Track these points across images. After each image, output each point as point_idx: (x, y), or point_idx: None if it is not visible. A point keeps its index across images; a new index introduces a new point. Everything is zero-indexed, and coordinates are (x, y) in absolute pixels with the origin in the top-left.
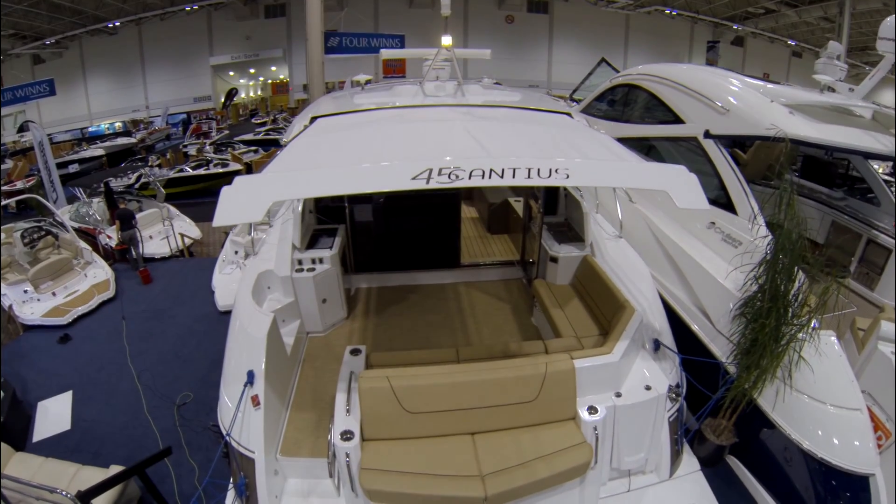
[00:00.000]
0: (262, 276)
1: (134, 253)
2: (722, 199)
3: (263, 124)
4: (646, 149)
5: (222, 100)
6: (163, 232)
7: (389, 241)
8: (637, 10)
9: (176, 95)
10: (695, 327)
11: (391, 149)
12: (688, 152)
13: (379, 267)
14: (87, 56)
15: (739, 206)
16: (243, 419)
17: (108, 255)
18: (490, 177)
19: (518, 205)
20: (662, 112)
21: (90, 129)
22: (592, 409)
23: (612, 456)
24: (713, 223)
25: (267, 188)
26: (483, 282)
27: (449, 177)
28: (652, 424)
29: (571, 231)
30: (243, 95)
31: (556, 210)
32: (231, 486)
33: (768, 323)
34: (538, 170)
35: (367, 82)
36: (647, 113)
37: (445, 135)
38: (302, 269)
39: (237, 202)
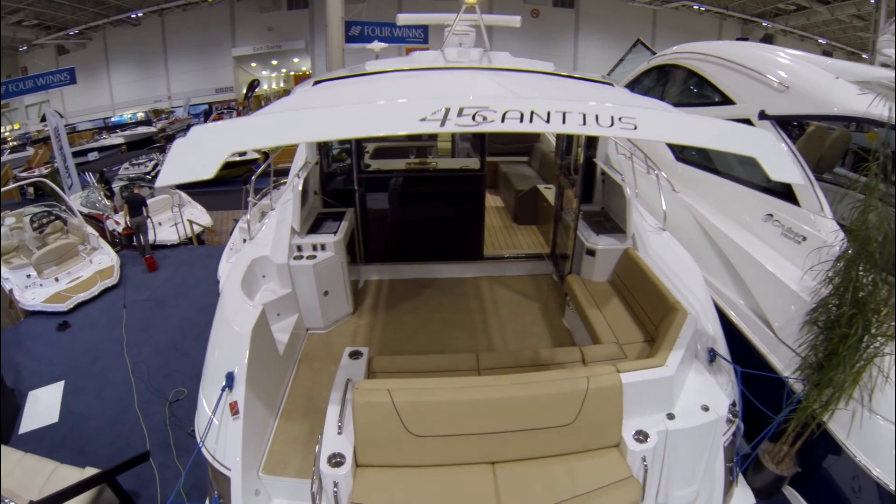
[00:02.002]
0: (255, 263)
1: (142, 239)
2: (780, 189)
3: None
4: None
5: (244, 91)
6: (172, 219)
7: (404, 228)
8: (664, 5)
9: (198, 86)
10: (751, 335)
11: (399, 94)
12: None
13: (392, 257)
14: (110, 47)
15: (803, 197)
16: (220, 429)
17: (115, 241)
18: (531, 120)
19: (549, 192)
20: (708, 93)
21: (112, 119)
22: (641, 435)
23: (658, 490)
24: (770, 215)
25: (226, 135)
26: (508, 277)
27: (474, 118)
28: (708, 452)
29: (609, 222)
30: (265, 87)
31: (591, 197)
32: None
33: (852, 333)
34: (596, 116)
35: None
36: (690, 95)
37: (470, 84)
38: (301, 257)
39: (189, 155)
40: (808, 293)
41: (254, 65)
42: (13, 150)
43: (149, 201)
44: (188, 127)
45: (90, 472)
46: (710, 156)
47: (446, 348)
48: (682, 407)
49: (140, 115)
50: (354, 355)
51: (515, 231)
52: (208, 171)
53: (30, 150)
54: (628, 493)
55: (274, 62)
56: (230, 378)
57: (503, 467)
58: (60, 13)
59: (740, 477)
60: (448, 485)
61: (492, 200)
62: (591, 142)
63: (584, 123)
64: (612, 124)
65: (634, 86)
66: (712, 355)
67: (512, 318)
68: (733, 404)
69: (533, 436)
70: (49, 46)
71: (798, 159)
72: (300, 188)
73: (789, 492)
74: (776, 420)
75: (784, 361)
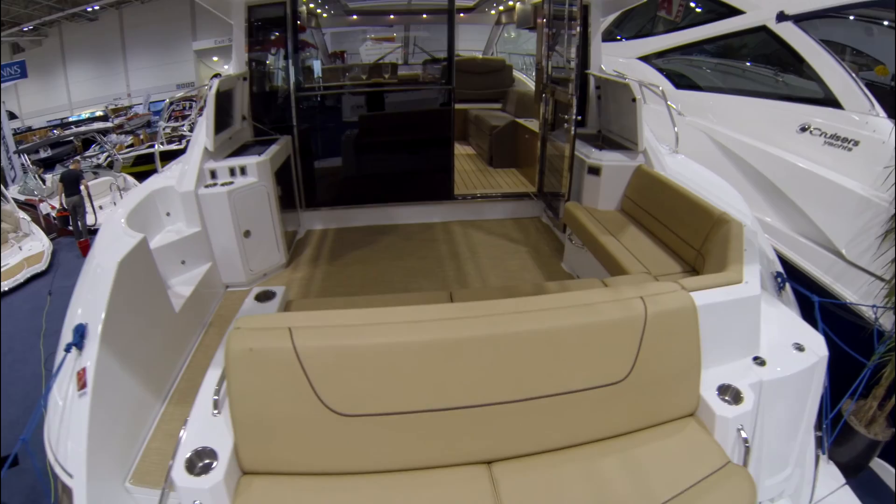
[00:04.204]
0: (157, 196)
1: (79, 222)
2: (816, 94)
3: None
4: (675, 76)
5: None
6: (113, 201)
7: (356, 162)
8: None
9: (158, 82)
10: (805, 264)
11: None
12: (746, 56)
13: (340, 200)
14: (66, 43)
15: (845, 97)
16: (63, 413)
17: (51, 226)
18: None
19: (532, 124)
20: (710, 7)
21: (70, 118)
22: (729, 394)
23: None
24: (805, 127)
25: None
26: (487, 220)
27: None
28: (805, 415)
29: (611, 144)
30: None
31: (584, 118)
32: None
33: None
34: None
35: None
36: (688, 15)
37: None
38: (215, 185)
39: None
40: (883, 200)
41: (215, 59)
42: None
43: (90, 183)
44: (148, 123)
45: None
46: (719, 74)
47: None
48: (770, 347)
49: (99, 114)
50: (263, 297)
51: (492, 174)
52: None
53: None
54: (738, 495)
55: None
56: (79, 333)
57: (507, 470)
58: (14, 7)
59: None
60: None
61: (461, 149)
62: (584, 54)
63: None
64: None
65: (623, 17)
66: (781, 281)
67: (495, 265)
68: None
69: (558, 407)
70: (3, 45)
71: (832, 57)
72: (213, 91)
73: (879, 466)
74: (868, 365)
75: (859, 291)
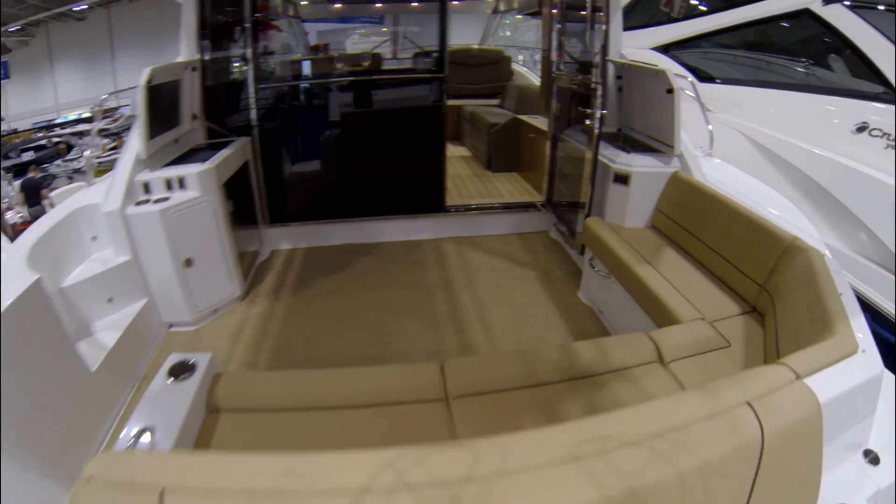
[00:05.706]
0: (78, 217)
1: None
2: (873, 89)
3: None
4: (693, 71)
5: None
6: None
7: (330, 169)
8: None
9: None
10: (870, 293)
11: None
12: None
13: (310, 214)
14: (54, 43)
15: None
16: None
17: (17, 237)
18: None
19: (536, 121)
20: None
21: (57, 120)
22: None
23: None
24: (864, 126)
25: None
26: (485, 237)
27: None
28: None
29: (636, 146)
30: None
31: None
32: None
33: None
34: None
35: None
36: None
37: None
38: (147, 201)
39: None
40: None
41: None
42: None
43: (60, 189)
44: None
45: None
46: (752, 65)
47: (388, 350)
48: (878, 432)
49: (86, 115)
50: (180, 371)
51: (490, 179)
52: None
53: None
54: None
55: None
56: None
57: None
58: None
59: None
60: None
61: (455, 151)
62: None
63: None
64: None
65: (629, 11)
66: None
67: (497, 297)
68: None
69: None
70: None
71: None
72: (143, 81)
73: None
74: None
75: None
